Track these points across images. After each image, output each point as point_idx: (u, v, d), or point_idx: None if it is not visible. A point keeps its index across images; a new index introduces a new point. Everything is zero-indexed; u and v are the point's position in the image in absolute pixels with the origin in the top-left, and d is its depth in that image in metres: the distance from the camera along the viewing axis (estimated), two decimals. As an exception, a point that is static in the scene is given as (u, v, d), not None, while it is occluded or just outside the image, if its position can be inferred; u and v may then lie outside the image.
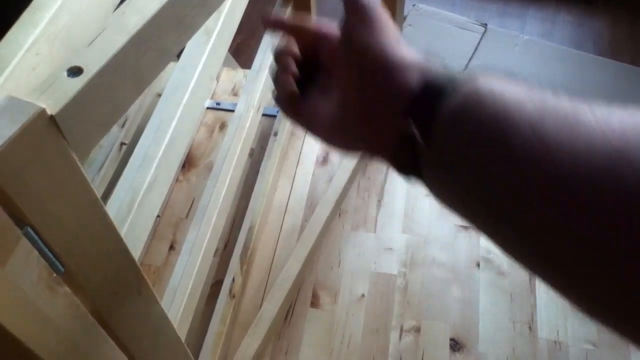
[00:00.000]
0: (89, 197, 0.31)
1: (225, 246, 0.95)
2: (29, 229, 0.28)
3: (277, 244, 0.97)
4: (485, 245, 0.97)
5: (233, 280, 0.86)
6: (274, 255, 0.96)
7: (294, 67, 0.41)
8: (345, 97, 0.38)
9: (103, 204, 0.33)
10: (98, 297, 0.36)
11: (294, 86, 0.40)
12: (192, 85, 0.73)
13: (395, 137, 0.33)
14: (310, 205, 1.02)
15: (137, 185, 0.63)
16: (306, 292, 0.91)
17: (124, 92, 0.34)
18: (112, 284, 0.37)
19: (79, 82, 0.29)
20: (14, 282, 0.28)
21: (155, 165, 0.64)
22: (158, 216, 1.00)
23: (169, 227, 0.98)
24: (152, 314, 0.43)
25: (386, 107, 0.34)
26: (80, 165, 0.30)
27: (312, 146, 1.11)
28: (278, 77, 0.41)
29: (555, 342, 0.86)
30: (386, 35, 0.34)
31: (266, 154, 1.03)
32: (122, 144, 0.92)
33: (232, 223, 0.99)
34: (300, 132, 1.14)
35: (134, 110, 1.03)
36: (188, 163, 1.09)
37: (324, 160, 1.09)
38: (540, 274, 0.28)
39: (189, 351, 0.53)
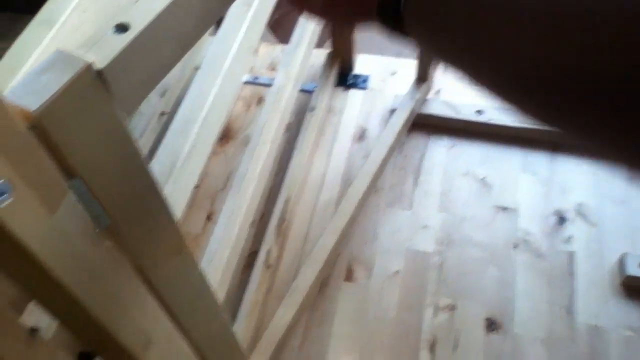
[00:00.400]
0: (133, 153, 0.32)
1: (261, 218, 0.96)
2: (77, 181, 0.28)
3: (311, 218, 0.97)
4: (524, 226, 0.95)
5: (269, 251, 0.86)
6: (309, 228, 0.96)
7: None
8: None
9: (146, 161, 0.33)
10: (139, 253, 0.36)
11: None
12: (231, 56, 0.72)
13: None
14: (346, 181, 1.02)
15: (176, 152, 0.63)
16: (341, 267, 0.91)
17: (168, 51, 0.34)
18: (153, 242, 0.37)
19: (125, 39, 0.29)
20: (63, 231, 0.29)
21: (194, 133, 0.64)
22: (196, 186, 1.00)
23: (207, 198, 0.99)
24: (191, 275, 0.44)
25: None
26: (125, 121, 0.30)
27: (349, 123, 1.11)
28: None
29: (595, 326, 0.84)
30: None
31: (302, 128, 1.02)
32: (161, 113, 0.92)
33: (267, 196, 0.99)
34: (337, 108, 1.13)
35: (173, 81, 1.04)
36: (225, 136, 1.09)
37: (361, 137, 1.08)
38: (513, 99, 0.31)
39: (225, 314, 0.53)
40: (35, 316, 0.61)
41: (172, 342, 0.48)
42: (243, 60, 0.80)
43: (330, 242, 0.89)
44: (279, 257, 0.91)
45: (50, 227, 0.28)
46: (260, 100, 1.15)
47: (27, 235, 0.26)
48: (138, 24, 0.30)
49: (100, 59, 0.27)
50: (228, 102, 0.79)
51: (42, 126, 0.25)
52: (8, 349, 0.52)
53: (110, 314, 0.36)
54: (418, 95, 1.09)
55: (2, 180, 0.24)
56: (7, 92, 0.25)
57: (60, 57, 0.26)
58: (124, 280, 0.38)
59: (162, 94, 1.01)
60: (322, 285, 0.89)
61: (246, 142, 1.08)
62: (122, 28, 0.30)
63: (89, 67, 0.26)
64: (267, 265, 0.87)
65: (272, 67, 1.22)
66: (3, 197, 0.24)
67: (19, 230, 0.25)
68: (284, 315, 0.82)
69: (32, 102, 0.24)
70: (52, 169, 0.27)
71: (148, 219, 0.36)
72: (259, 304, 0.83)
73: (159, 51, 0.33)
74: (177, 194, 0.64)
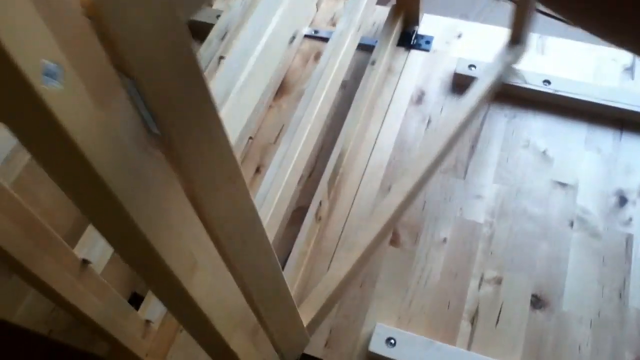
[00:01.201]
0: (192, 62, 0.29)
1: (310, 175, 0.96)
2: (130, 81, 0.27)
3: (362, 178, 0.96)
4: (582, 204, 0.91)
5: (320, 203, 0.86)
6: (359, 188, 0.95)
7: None
8: None
9: (206, 79, 0.31)
10: (191, 172, 0.34)
11: None
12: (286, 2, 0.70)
13: None
14: (400, 144, 1.00)
15: (220, 101, 0.62)
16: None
17: None
18: (205, 164, 0.35)
19: None
20: (112, 129, 0.28)
21: (240, 83, 0.63)
22: (250, 138, 1.01)
23: (258, 150, 0.99)
24: (243, 206, 0.43)
25: None
26: (184, 24, 0.28)
27: (407, 84, 1.08)
28: None
29: (646, 313, 0.81)
30: None
31: (361, 84, 1.00)
32: (220, 57, 0.92)
33: (318, 152, 0.98)
34: (396, 68, 1.10)
35: (233, 25, 1.03)
36: (281, 90, 1.09)
37: (419, 100, 1.06)
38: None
39: (275, 256, 0.53)
40: (88, 248, 0.63)
41: (218, 271, 0.48)
42: (301, 9, 0.78)
43: (396, 202, 0.87)
44: (330, 211, 0.91)
45: (99, 122, 0.27)
46: (318, 55, 1.13)
47: (74, 127, 0.25)
48: None
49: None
50: (279, 52, 0.78)
51: (99, 13, 0.23)
52: (61, 280, 0.54)
53: (156, 229, 0.35)
54: (509, 58, 1.03)
55: (52, 64, 0.23)
56: None
57: None
58: (173, 196, 0.37)
59: (222, 37, 1.00)
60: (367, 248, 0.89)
61: (300, 96, 1.07)
62: None
63: None
64: (318, 218, 0.87)
65: (334, 22, 1.20)
66: (52, 82, 0.23)
67: (66, 120, 0.24)
68: (339, 269, 0.81)
69: None
70: (105, 62, 0.25)
71: (202, 138, 0.34)
72: (307, 256, 0.84)
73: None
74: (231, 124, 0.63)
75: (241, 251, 0.45)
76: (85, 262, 0.60)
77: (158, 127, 0.30)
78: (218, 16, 1.16)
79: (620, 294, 0.83)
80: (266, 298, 0.56)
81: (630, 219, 0.89)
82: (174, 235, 0.38)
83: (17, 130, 0.26)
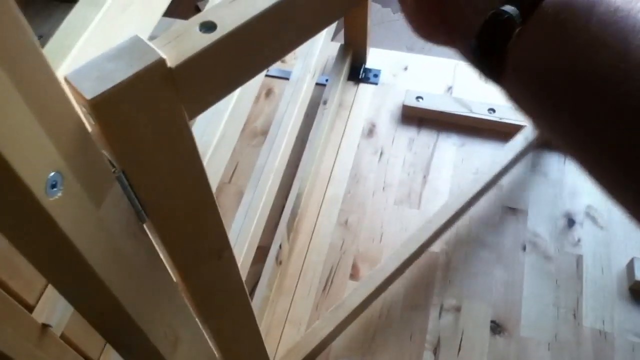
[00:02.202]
0: (192, 157, 0.30)
1: (268, 213, 0.95)
2: (122, 174, 0.27)
3: (319, 213, 0.96)
4: (532, 228, 0.94)
5: (280, 246, 0.85)
6: (316, 224, 0.95)
7: None
8: None
9: (204, 166, 0.31)
10: (178, 253, 0.35)
11: None
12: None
13: (482, 14, 0.28)
14: (353, 177, 1.01)
15: (206, 141, 0.62)
16: (346, 264, 0.91)
17: (251, 60, 0.30)
18: (194, 243, 0.36)
19: (209, 39, 0.26)
20: (106, 225, 0.28)
21: (223, 121, 0.63)
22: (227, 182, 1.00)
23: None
24: (229, 277, 0.42)
25: None
26: (188, 124, 0.28)
27: (358, 118, 1.10)
28: None
29: (600, 331, 0.84)
30: None
31: (315, 123, 1.01)
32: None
33: (276, 190, 0.98)
34: (347, 102, 1.12)
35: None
36: (233, 127, 1.09)
37: (370, 133, 1.07)
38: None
39: (256, 321, 0.53)
40: (47, 312, 0.61)
41: (200, 344, 0.48)
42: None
43: (391, 268, 0.85)
44: (290, 252, 0.91)
45: (94, 218, 0.26)
46: (269, 93, 1.14)
47: (71, 228, 0.25)
48: (226, 25, 0.27)
49: (175, 56, 0.25)
50: (248, 105, 0.78)
51: (100, 115, 0.23)
52: (18, 349, 0.51)
53: (141, 309, 0.35)
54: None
55: (53, 172, 0.22)
56: (69, 75, 0.23)
57: (135, 46, 0.24)
58: (161, 278, 0.37)
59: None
60: (327, 283, 0.89)
61: (254, 134, 1.07)
62: (209, 27, 0.27)
63: (161, 63, 0.24)
64: (279, 262, 0.86)
65: (283, 59, 1.21)
66: (54, 190, 0.23)
67: (64, 223, 0.24)
68: (322, 327, 0.80)
69: (94, 88, 0.22)
70: (102, 161, 0.26)
71: (193, 222, 0.34)
72: (270, 300, 0.83)
73: (240, 58, 0.30)
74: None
75: (225, 323, 0.45)
76: (45, 326, 0.58)
77: (149, 217, 0.30)
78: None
79: (575, 314, 0.86)
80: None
81: (579, 240, 0.93)
82: (158, 313, 0.37)
83: (10, 234, 0.25)
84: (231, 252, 0.40)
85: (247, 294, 0.46)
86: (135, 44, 0.24)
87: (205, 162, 0.58)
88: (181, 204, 0.32)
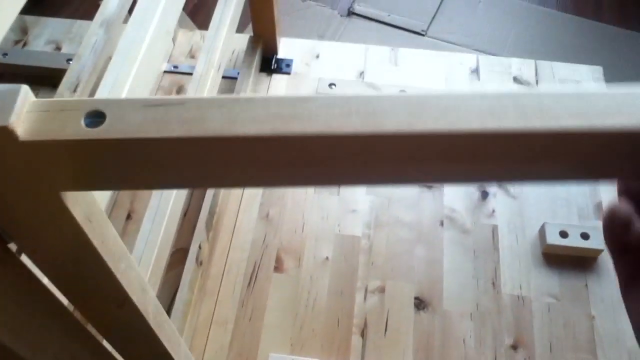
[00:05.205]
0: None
1: (185, 214, 0.93)
2: None
3: (239, 209, 0.95)
4: (448, 204, 0.96)
5: (199, 246, 0.84)
6: (236, 220, 0.94)
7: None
8: None
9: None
10: (63, 289, 0.34)
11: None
12: (147, 41, 0.69)
13: None
14: (273, 169, 1.00)
15: None
16: (270, 257, 0.90)
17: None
18: (79, 285, 0.34)
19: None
20: None
21: None
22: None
23: (127, 196, 0.95)
24: (134, 325, 0.41)
25: None
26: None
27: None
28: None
29: (518, 297, 0.87)
30: None
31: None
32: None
33: (191, 190, 0.96)
34: (261, 94, 1.11)
35: (86, 74, 0.98)
36: (145, 129, 1.05)
37: (286, 123, 1.07)
38: None
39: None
40: None
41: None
42: (160, 46, 0.76)
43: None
44: (210, 251, 0.89)
45: None
46: (180, 90, 1.11)
47: None
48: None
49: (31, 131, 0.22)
50: (148, 88, 0.76)
51: None
52: None
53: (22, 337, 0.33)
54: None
55: None
56: None
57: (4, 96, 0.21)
58: (44, 301, 0.35)
59: (74, 89, 0.95)
60: (251, 278, 0.88)
61: (167, 134, 1.04)
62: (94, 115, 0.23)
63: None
64: (199, 263, 0.85)
65: (192, 55, 1.18)
66: None
67: None
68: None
69: None
70: None
71: (76, 265, 0.32)
72: (192, 303, 0.81)
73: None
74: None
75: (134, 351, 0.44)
76: None
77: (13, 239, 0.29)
78: (69, 60, 1.11)
79: (494, 283, 0.89)
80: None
81: (493, 211, 0.96)
82: (42, 338, 0.35)
83: None
84: (131, 300, 0.38)
85: (158, 337, 0.44)
86: (8, 95, 0.22)
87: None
88: (55, 247, 0.30)
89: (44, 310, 0.36)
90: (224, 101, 0.23)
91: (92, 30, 0.88)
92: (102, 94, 0.66)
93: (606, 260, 0.91)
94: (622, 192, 0.33)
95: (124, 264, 0.35)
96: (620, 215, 0.33)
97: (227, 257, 0.90)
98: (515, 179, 0.26)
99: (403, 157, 0.23)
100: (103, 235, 0.31)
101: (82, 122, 0.22)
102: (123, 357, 0.46)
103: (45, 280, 0.35)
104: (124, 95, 0.67)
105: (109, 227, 0.32)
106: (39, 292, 0.34)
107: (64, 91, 0.97)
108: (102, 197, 0.64)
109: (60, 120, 0.22)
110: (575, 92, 0.22)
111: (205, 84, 0.90)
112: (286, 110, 0.22)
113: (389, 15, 1.74)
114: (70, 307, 0.41)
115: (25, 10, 0.53)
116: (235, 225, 0.93)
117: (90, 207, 0.29)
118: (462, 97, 0.23)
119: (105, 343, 0.45)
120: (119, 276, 0.34)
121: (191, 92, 0.85)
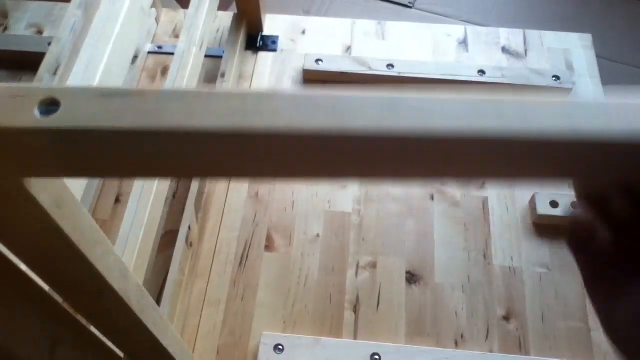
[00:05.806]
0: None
1: (174, 195, 0.93)
2: None
3: (228, 189, 0.95)
4: (439, 177, 0.96)
5: (189, 228, 0.83)
6: (226, 199, 0.93)
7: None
8: None
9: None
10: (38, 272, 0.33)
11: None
12: (121, 18, 0.68)
13: None
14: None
15: None
16: (260, 236, 0.90)
17: None
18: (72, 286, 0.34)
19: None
20: None
21: None
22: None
23: (114, 180, 0.95)
24: (116, 312, 0.40)
25: None
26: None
27: (260, 87, 1.07)
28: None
29: (509, 268, 0.88)
30: None
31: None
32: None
33: (180, 171, 0.95)
34: (248, 72, 1.09)
35: (66, 55, 0.97)
36: (131, 111, 1.04)
37: (273, 101, 1.05)
38: None
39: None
40: None
41: (90, 343, 0.46)
42: (136, 23, 0.75)
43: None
44: (201, 232, 0.89)
45: None
46: (165, 70, 1.10)
47: None
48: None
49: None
50: (123, 70, 0.74)
51: None
52: None
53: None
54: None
55: None
56: None
57: None
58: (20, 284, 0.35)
59: (54, 72, 0.94)
60: (242, 258, 0.88)
61: (154, 116, 1.03)
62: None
63: None
64: (189, 244, 0.84)
65: (176, 35, 1.16)
66: None
67: None
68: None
69: None
70: None
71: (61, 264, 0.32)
72: (184, 285, 0.81)
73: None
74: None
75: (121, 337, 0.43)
76: None
77: None
78: (50, 44, 1.09)
79: (485, 255, 0.89)
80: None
81: (484, 183, 0.96)
82: (17, 329, 0.35)
83: None
84: (110, 285, 0.37)
85: (142, 321, 0.43)
86: None
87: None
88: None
89: (23, 294, 0.35)
90: (184, 94, 0.22)
91: (70, 12, 0.86)
92: (76, 73, 0.64)
93: (596, 229, 0.91)
94: (581, 197, 0.32)
95: (101, 249, 0.34)
96: (582, 225, 0.34)
97: (217, 237, 0.89)
98: (487, 179, 0.25)
99: (372, 157, 0.22)
100: (75, 221, 0.30)
101: (36, 111, 0.21)
102: (109, 340, 0.46)
103: (23, 266, 0.35)
104: (97, 76, 0.67)
105: (81, 212, 0.32)
106: (15, 276, 0.34)
107: (44, 74, 0.95)
108: (82, 182, 0.64)
109: (13, 107, 0.21)
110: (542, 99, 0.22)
111: (187, 63, 0.89)
112: (249, 106, 0.22)
113: (376, -11, 1.71)
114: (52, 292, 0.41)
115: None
116: (225, 204, 0.93)
117: (60, 192, 0.29)
118: (433, 98, 0.22)
119: (92, 327, 0.45)
120: (95, 262, 0.33)
121: (173, 71, 0.84)
